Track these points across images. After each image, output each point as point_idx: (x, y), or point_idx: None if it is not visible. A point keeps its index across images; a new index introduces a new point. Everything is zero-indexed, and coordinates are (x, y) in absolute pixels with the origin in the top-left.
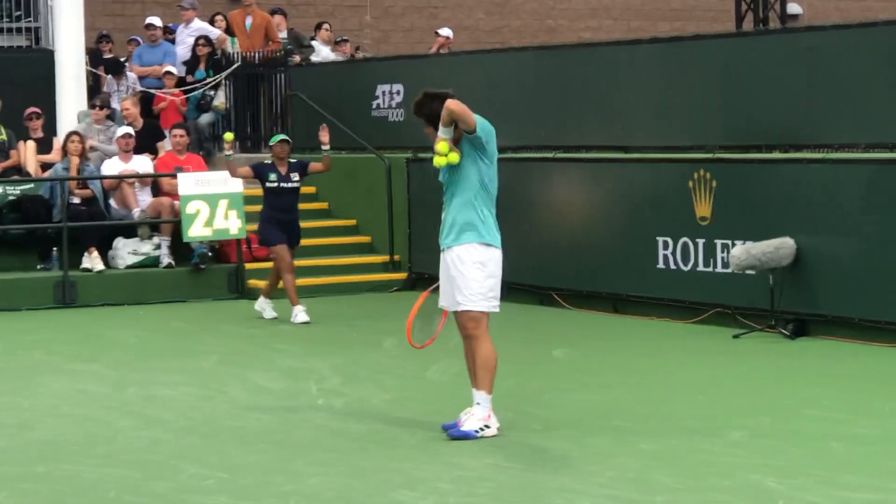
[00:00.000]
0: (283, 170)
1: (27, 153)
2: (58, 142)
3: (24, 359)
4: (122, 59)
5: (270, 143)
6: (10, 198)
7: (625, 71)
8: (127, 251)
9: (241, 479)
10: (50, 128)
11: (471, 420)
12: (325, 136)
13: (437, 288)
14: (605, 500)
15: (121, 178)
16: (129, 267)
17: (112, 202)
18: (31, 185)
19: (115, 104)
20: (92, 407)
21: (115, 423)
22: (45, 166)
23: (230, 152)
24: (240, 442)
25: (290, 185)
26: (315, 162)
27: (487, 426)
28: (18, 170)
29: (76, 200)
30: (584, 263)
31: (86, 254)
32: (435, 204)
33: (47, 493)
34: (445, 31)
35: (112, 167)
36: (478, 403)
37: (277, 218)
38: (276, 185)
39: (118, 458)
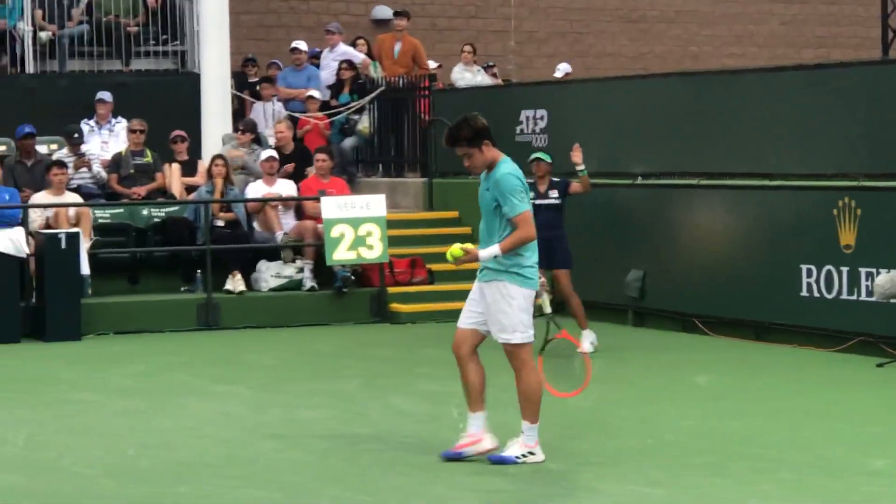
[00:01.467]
0: (542, 188)
1: (172, 176)
2: (203, 165)
3: (167, 380)
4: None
5: (529, 160)
6: (155, 220)
7: (768, 98)
8: (270, 274)
9: (382, 502)
10: (195, 151)
11: (514, 447)
12: (577, 155)
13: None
14: None
15: (265, 201)
16: (271, 290)
17: (256, 225)
18: (176, 208)
19: (261, 127)
20: (233, 428)
21: (256, 444)
22: (190, 189)
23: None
24: (380, 465)
25: (547, 201)
26: (575, 182)
27: (532, 453)
28: (163, 192)
29: (220, 223)
30: (726, 290)
31: (229, 276)
32: (578, 229)
33: None
34: (564, 67)
35: (256, 190)
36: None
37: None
38: (532, 201)
39: (259, 480)
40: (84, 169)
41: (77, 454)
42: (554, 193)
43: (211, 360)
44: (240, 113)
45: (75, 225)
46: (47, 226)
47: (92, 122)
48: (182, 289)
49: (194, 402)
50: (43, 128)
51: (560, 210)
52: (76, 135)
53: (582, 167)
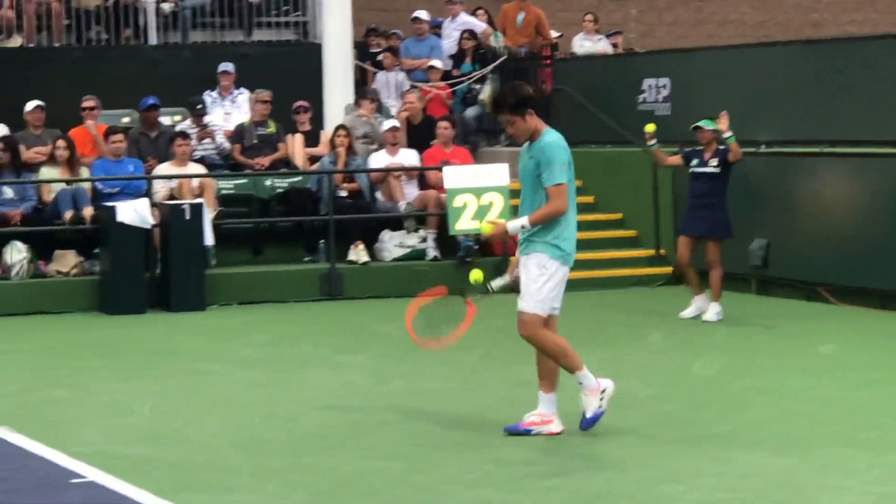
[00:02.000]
0: (706, 155)
1: (295, 146)
2: (325, 135)
3: (291, 351)
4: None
5: (691, 129)
6: (278, 190)
7: (892, 65)
8: (393, 244)
9: (505, 472)
10: (317, 121)
11: (589, 402)
12: (724, 123)
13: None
14: (873, 497)
15: (387, 171)
16: (394, 260)
17: (378, 195)
18: (299, 178)
19: (383, 97)
20: (356, 399)
21: (379, 415)
22: (313, 159)
23: (653, 142)
24: (503, 435)
25: (704, 169)
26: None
27: (602, 392)
28: (286, 163)
29: (343, 193)
30: (850, 258)
31: (352, 246)
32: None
33: (313, 484)
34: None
35: (379, 160)
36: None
37: (691, 204)
38: (693, 169)
39: (383, 451)
40: (207, 140)
41: (202, 425)
42: (714, 162)
43: (334, 330)
44: (362, 83)
45: (199, 196)
46: (171, 197)
47: (214, 94)
48: (305, 259)
49: (317, 372)
50: (166, 99)
51: (720, 178)
52: (199, 106)
53: (729, 134)
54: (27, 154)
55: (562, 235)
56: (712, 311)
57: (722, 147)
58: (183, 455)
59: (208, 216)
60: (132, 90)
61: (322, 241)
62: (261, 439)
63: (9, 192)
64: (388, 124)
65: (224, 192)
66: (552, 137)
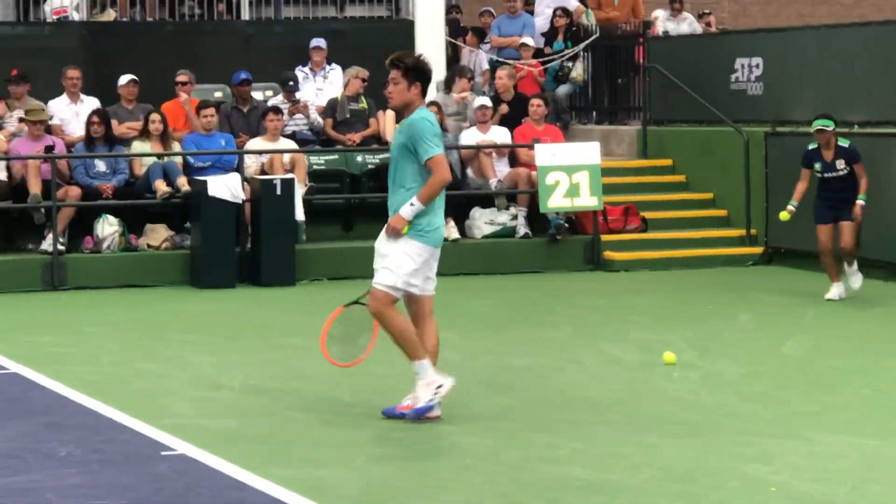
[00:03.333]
0: (827, 156)
1: (386, 122)
2: None
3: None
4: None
5: (812, 129)
6: (369, 166)
7: None
8: (483, 221)
9: (593, 449)
10: None
11: (421, 393)
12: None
13: (356, 303)
14: None
15: (478, 148)
16: (485, 237)
17: (469, 172)
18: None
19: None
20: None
21: (468, 390)
22: None
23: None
24: (592, 412)
25: (834, 174)
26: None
27: (440, 385)
28: (378, 139)
29: None
30: None
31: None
32: (792, 178)
33: (401, 458)
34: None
35: (470, 137)
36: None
37: (824, 196)
38: (821, 174)
39: (472, 426)
40: (299, 115)
41: (291, 399)
42: (841, 164)
43: None
44: (453, 60)
45: (290, 171)
46: (262, 172)
47: (307, 69)
48: None
49: None
50: (258, 74)
51: (850, 177)
52: (291, 81)
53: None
54: (119, 128)
55: (426, 218)
56: (856, 281)
57: (842, 146)
58: (271, 429)
59: (299, 191)
60: (225, 65)
61: None
62: (349, 413)
63: (101, 166)
64: (479, 101)
65: (315, 167)
66: (421, 114)
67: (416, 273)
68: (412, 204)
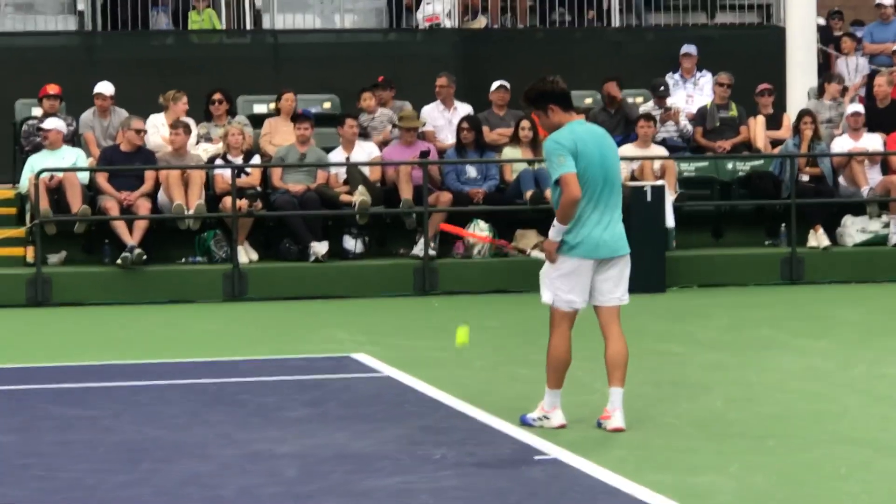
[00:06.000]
0: None
1: (757, 129)
2: (787, 118)
3: (752, 334)
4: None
5: None
6: (740, 174)
7: None
8: (855, 229)
9: None
10: (780, 104)
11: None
12: None
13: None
14: None
15: (850, 155)
16: (856, 245)
17: (841, 180)
18: (761, 162)
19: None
20: (819, 383)
21: (843, 400)
22: (774, 143)
23: None
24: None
25: None
26: None
27: (547, 417)
28: (748, 146)
29: (805, 178)
30: None
31: (812, 231)
32: None
33: (777, 467)
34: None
35: (842, 145)
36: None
37: None
38: None
39: (847, 436)
40: (670, 122)
41: (664, 405)
42: None
43: (794, 314)
44: (824, 67)
45: (660, 177)
46: (632, 178)
47: (677, 76)
48: (766, 243)
49: (779, 356)
50: (628, 80)
51: None
52: (662, 88)
53: None
54: (490, 135)
55: (573, 231)
56: None
57: None
58: (645, 434)
59: (669, 198)
60: (594, 71)
61: (783, 224)
62: (724, 420)
63: (471, 172)
64: (851, 109)
65: (685, 174)
66: (553, 135)
67: (572, 289)
68: (554, 226)
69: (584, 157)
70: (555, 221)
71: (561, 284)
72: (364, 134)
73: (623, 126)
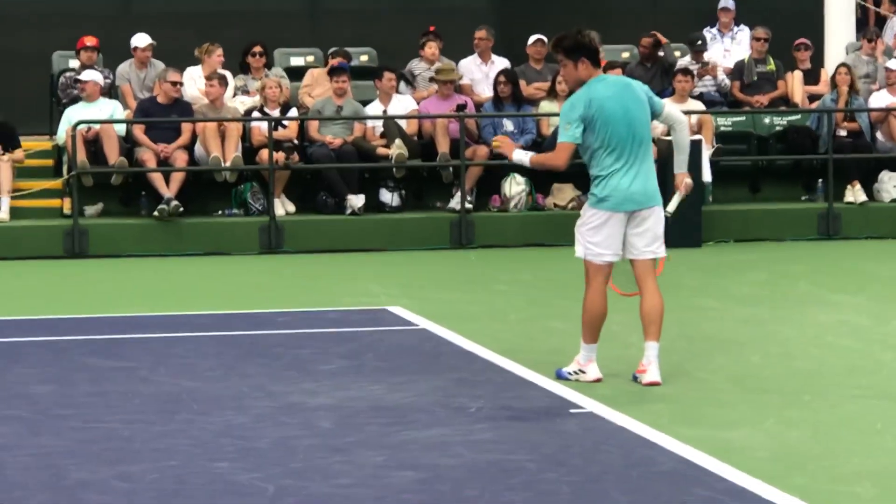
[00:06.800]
0: None
1: (794, 84)
2: (825, 73)
3: (789, 289)
4: None
5: None
6: (777, 128)
7: None
8: (892, 184)
9: None
10: (817, 59)
11: (571, 364)
12: None
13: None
14: None
15: (888, 110)
16: (893, 200)
17: (879, 135)
18: (798, 117)
19: (887, 38)
20: (854, 338)
21: (877, 355)
22: (812, 98)
23: None
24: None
25: None
26: None
27: (583, 371)
28: (786, 100)
29: (843, 133)
30: None
31: (849, 186)
32: None
33: (812, 422)
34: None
35: (880, 100)
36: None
37: None
38: None
39: (881, 391)
40: (707, 77)
41: (699, 359)
42: None
43: (831, 270)
44: (863, 22)
45: (697, 132)
46: (667, 133)
47: (714, 30)
48: (803, 198)
49: (815, 311)
50: (666, 34)
51: None
52: (699, 42)
53: None
54: (528, 89)
55: (601, 184)
56: None
57: None
58: (680, 389)
59: (706, 153)
60: (633, 25)
61: (820, 180)
62: (759, 376)
63: (508, 126)
64: (890, 64)
65: (722, 129)
66: (578, 93)
67: (602, 242)
68: (526, 155)
69: (601, 115)
70: (532, 155)
71: (591, 237)
72: (413, 86)
73: (660, 80)
